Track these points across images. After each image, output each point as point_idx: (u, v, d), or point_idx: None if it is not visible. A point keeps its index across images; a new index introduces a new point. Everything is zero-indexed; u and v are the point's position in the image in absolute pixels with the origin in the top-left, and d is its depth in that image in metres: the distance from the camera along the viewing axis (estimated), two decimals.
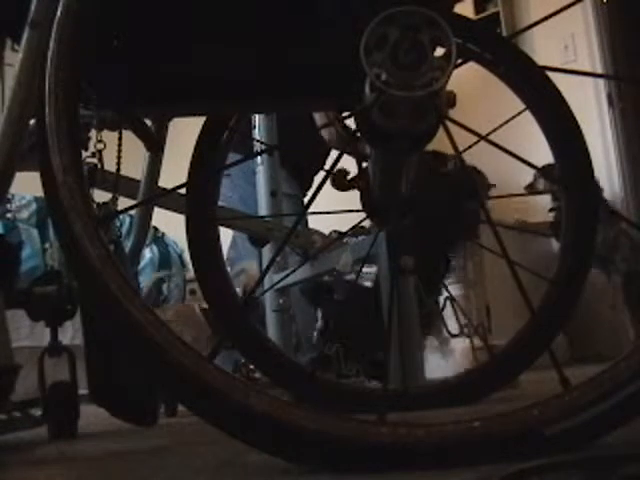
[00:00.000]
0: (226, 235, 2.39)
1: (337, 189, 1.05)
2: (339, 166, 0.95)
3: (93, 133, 1.24)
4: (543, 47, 3.40)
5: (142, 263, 3.66)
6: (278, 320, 1.96)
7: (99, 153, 1.25)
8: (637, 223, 3.50)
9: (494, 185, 3.08)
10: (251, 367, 2.03)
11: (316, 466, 0.66)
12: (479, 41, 1.20)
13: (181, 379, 0.67)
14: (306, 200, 2.52)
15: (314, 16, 0.87)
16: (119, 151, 1.30)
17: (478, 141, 0.88)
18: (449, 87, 0.76)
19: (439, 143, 0.89)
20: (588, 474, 0.52)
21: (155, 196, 1.51)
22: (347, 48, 0.73)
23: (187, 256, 3.61)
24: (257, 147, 2.03)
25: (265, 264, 2.11)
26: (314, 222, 2.25)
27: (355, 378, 2.12)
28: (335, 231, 2.43)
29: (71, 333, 2.24)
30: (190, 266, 3.21)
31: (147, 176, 1.49)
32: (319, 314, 2.38)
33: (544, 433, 0.63)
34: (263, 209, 2.02)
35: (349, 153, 1.04)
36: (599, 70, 3.41)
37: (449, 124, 0.76)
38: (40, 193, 0.75)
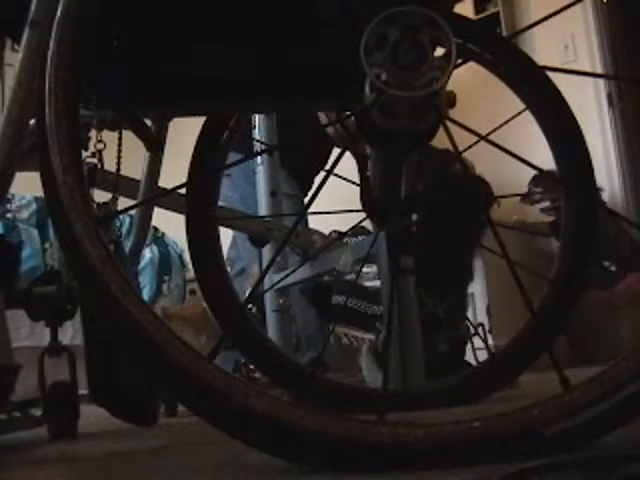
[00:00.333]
0: (226, 235, 2.39)
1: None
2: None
3: (93, 133, 1.24)
4: (543, 47, 3.39)
5: (142, 263, 3.66)
6: (278, 320, 1.96)
7: (99, 153, 1.25)
8: (637, 223, 3.50)
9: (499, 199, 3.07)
10: (251, 367, 2.03)
11: (316, 466, 0.66)
12: (479, 41, 1.20)
13: (181, 379, 0.67)
14: (306, 200, 2.52)
15: (314, 16, 0.87)
16: (119, 151, 1.30)
17: (478, 141, 0.88)
18: (449, 87, 0.76)
19: (439, 143, 0.89)
20: (588, 474, 0.52)
21: (155, 196, 1.51)
22: (347, 48, 0.73)
23: (187, 256, 3.61)
24: (257, 147, 2.03)
25: (265, 264, 2.11)
26: (314, 222, 2.25)
27: None
28: (335, 231, 2.43)
29: (71, 333, 2.25)
30: (190, 266, 3.22)
31: (147, 176, 1.49)
32: None
33: (544, 433, 0.63)
34: (263, 209, 2.02)
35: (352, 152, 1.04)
36: (599, 70, 3.40)
37: (449, 124, 0.76)
38: (40, 193, 0.75)
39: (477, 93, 3.02)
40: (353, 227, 1.40)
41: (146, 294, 3.60)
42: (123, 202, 1.30)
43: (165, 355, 0.66)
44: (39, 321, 1.32)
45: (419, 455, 0.63)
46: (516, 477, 0.52)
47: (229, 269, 2.24)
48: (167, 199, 1.49)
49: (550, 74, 1.25)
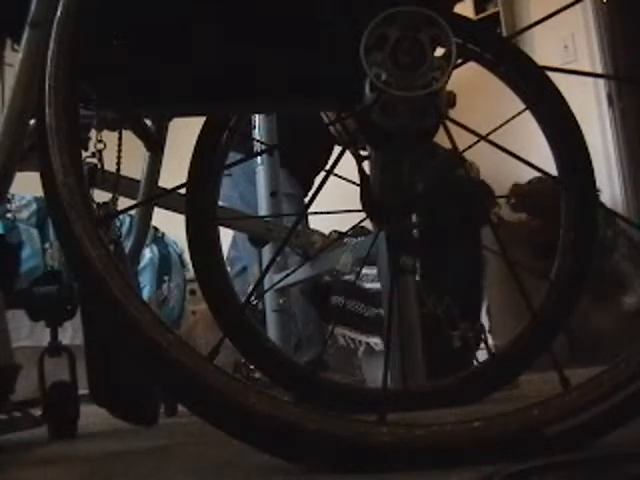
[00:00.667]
0: (226, 235, 2.39)
1: None
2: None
3: (93, 133, 1.24)
4: (543, 47, 3.40)
5: (142, 263, 3.66)
6: (278, 320, 1.96)
7: (99, 153, 1.25)
8: (637, 223, 3.50)
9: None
10: (251, 367, 2.03)
11: (316, 466, 0.66)
12: (479, 41, 1.20)
13: (181, 379, 0.67)
14: (306, 200, 2.52)
15: (314, 16, 0.87)
16: (119, 151, 1.30)
17: (478, 141, 0.88)
18: (449, 87, 0.76)
19: (439, 143, 0.88)
20: (588, 474, 0.52)
21: (155, 196, 1.51)
22: (347, 48, 0.73)
23: (187, 256, 3.61)
24: (257, 147, 2.03)
25: (265, 264, 2.11)
26: (314, 222, 2.25)
27: None
28: (335, 231, 2.43)
29: (71, 333, 2.25)
30: (190, 266, 3.21)
31: (147, 176, 1.49)
32: None
33: (544, 433, 0.63)
34: (263, 209, 2.02)
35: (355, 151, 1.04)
36: (599, 70, 3.40)
37: (449, 124, 0.76)
38: (40, 193, 0.75)
39: (477, 93, 3.02)
40: (353, 227, 1.40)
41: (146, 294, 3.59)
42: (123, 202, 1.30)
43: (165, 355, 0.66)
44: (39, 321, 1.32)
45: (419, 455, 0.63)
46: (516, 477, 0.52)
47: (229, 269, 2.24)
48: (167, 199, 1.49)
49: (550, 74, 1.25)
